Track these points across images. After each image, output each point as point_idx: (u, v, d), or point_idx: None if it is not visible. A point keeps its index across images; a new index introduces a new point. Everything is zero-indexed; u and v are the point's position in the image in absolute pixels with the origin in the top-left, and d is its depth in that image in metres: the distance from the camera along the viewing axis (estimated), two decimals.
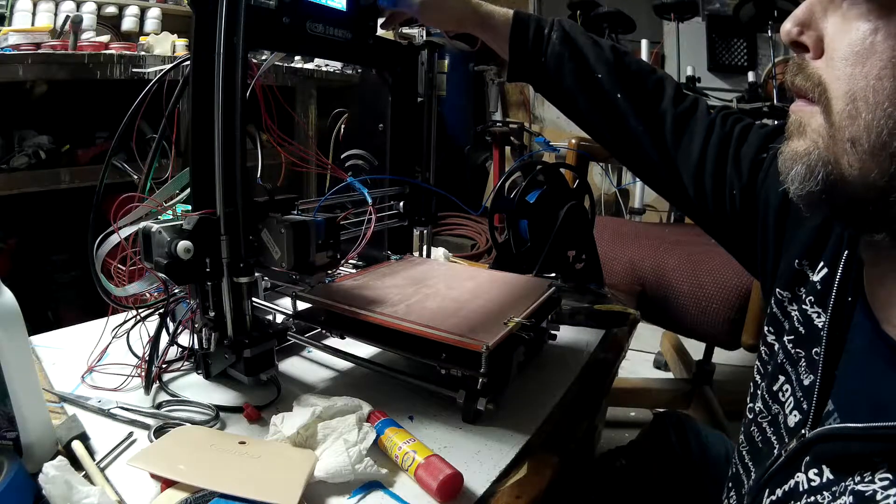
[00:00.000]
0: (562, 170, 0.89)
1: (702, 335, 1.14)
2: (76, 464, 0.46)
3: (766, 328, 0.52)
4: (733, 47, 2.45)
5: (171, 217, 0.60)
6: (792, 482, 0.40)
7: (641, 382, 1.63)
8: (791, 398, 0.44)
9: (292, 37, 0.61)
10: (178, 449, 0.47)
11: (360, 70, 0.87)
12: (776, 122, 0.58)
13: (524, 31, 0.67)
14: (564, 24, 0.67)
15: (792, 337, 0.46)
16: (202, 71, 0.52)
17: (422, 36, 0.81)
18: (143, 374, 0.60)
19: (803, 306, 0.45)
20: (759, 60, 2.41)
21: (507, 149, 2.39)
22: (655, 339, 1.93)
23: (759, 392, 0.50)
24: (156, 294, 0.67)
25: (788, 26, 0.36)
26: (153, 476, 0.44)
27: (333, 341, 0.67)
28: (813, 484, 0.38)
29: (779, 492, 0.41)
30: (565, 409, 0.62)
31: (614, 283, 1.17)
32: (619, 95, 0.63)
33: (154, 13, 1.98)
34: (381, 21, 0.73)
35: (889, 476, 0.32)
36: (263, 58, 0.67)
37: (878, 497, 0.32)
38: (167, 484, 0.43)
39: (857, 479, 0.34)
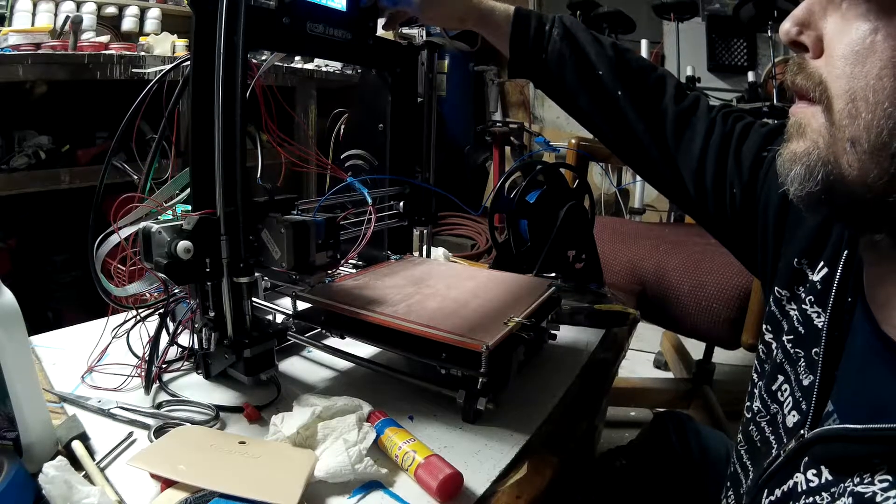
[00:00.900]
0: (562, 170, 0.89)
1: (702, 335, 1.14)
2: (76, 464, 0.45)
3: (764, 327, 0.51)
4: (733, 47, 2.45)
5: (170, 217, 0.60)
6: (791, 482, 0.40)
7: (641, 382, 1.63)
8: (790, 398, 0.44)
9: (292, 37, 0.61)
10: (178, 449, 0.47)
11: (359, 70, 0.87)
12: (777, 121, 0.58)
13: (525, 28, 0.67)
14: (565, 20, 0.67)
15: (791, 337, 0.46)
16: (202, 71, 0.52)
17: (422, 36, 0.81)
18: (143, 374, 0.60)
19: (803, 306, 0.45)
20: (759, 60, 2.40)
21: (507, 149, 2.40)
22: (655, 338, 1.93)
23: (756, 391, 0.50)
24: (156, 294, 0.67)
25: (787, 26, 0.36)
26: (153, 476, 0.44)
27: (333, 341, 0.67)
28: (812, 484, 0.38)
29: (777, 492, 0.41)
30: (565, 409, 0.62)
31: (614, 283, 1.17)
32: (619, 92, 0.63)
33: (154, 13, 1.98)
34: (381, 22, 0.73)
35: (889, 478, 0.32)
36: (263, 58, 0.67)
37: (878, 499, 0.32)
38: (167, 484, 0.43)
39: (857, 480, 0.34)
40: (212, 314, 0.58)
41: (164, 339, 0.62)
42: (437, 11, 0.69)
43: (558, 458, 0.53)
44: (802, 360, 0.44)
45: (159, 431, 0.51)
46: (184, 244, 0.51)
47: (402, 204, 0.84)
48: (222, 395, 0.60)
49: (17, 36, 1.45)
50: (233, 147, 0.53)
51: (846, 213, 0.37)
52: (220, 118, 0.52)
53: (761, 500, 0.43)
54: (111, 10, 1.89)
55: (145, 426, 0.53)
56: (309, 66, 2.03)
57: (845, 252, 0.42)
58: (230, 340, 0.57)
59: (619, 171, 2.69)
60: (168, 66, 0.63)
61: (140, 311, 0.66)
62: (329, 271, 0.65)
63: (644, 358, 1.96)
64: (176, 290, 0.63)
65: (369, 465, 0.46)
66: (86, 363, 0.63)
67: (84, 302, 1.62)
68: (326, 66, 2.07)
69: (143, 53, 1.62)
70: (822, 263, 0.45)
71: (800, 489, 0.39)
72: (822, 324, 0.42)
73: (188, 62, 0.53)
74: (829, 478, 0.37)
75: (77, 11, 1.76)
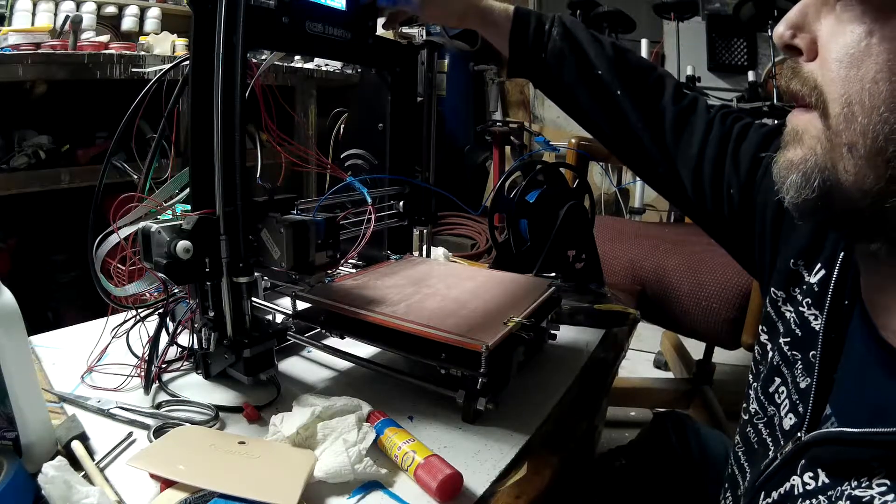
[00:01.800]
0: (562, 169, 0.89)
1: (702, 335, 1.14)
2: (76, 464, 0.46)
3: (760, 328, 0.51)
4: (733, 47, 2.44)
5: (170, 217, 0.60)
6: (787, 485, 0.40)
7: (641, 382, 1.63)
8: (786, 400, 0.44)
9: (292, 36, 0.61)
10: (177, 449, 0.47)
11: (359, 70, 0.87)
12: (776, 122, 0.58)
13: (525, 27, 0.67)
14: (565, 19, 0.67)
15: (788, 339, 0.46)
16: (202, 71, 0.52)
17: (421, 35, 0.81)
18: (143, 374, 0.60)
19: (799, 308, 0.45)
20: (759, 60, 2.40)
21: (507, 148, 2.39)
22: (655, 338, 1.93)
23: (752, 393, 0.50)
24: (155, 294, 0.67)
25: (781, 29, 0.36)
26: (153, 476, 0.44)
27: (333, 341, 0.67)
28: (808, 487, 0.38)
29: (774, 494, 0.41)
30: (565, 409, 0.62)
31: (614, 282, 1.17)
32: (618, 92, 0.63)
33: (154, 13, 1.98)
34: (381, 21, 0.73)
35: (887, 482, 0.32)
36: (263, 57, 0.67)
37: (876, 503, 0.32)
38: (167, 484, 0.43)
39: (854, 484, 0.34)
40: (211, 314, 0.58)
41: (164, 338, 0.62)
42: (437, 9, 0.69)
43: (558, 458, 0.53)
44: (799, 362, 0.44)
45: (159, 431, 0.51)
46: (183, 244, 0.51)
47: (401, 204, 0.84)
48: (222, 395, 0.60)
49: (16, 35, 1.45)
50: (232, 147, 0.53)
51: (842, 221, 0.36)
52: (219, 118, 0.52)
53: (758, 502, 0.43)
54: (111, 9, 1.89)
55: (145, 426, 0.53)
56: (309, 65, 2.03)
57: (842, 254, 0.42)
58: (230, 340, 0.57)
59: (619, 170, 2.69)
60: (168, 66, 0.63)
61: (140, 310, 0.66)
62: (329, 271, 0.65)
63: (644, 358, 1.96)
64: (175, 290, 0.63)
65: (369, 466, 0.46)
66: (85, 363, 0.63)
67: (84, 302, 1.62)
68: (326, 65, 2.07)
69: (142, 53, 1.62)
70: (819, 265, 0.45)
71: (796, 492, 0.38)
72: (819, 326, 0.42)
73: (188, 62, 0.53)
74: (826, 481, 0.36)
75: (77, 11, 1.75)
